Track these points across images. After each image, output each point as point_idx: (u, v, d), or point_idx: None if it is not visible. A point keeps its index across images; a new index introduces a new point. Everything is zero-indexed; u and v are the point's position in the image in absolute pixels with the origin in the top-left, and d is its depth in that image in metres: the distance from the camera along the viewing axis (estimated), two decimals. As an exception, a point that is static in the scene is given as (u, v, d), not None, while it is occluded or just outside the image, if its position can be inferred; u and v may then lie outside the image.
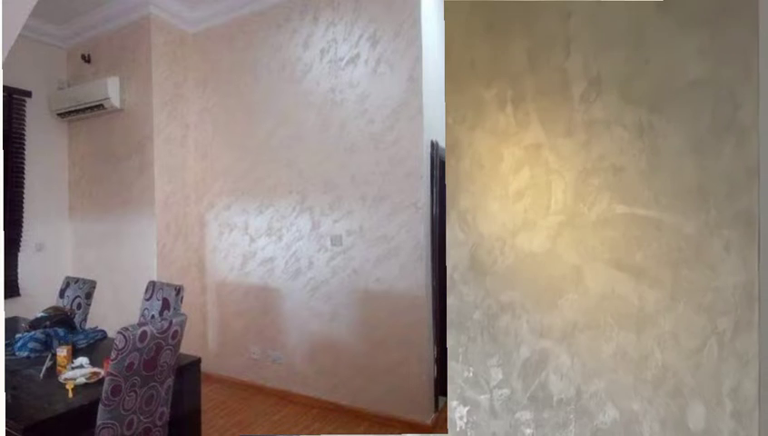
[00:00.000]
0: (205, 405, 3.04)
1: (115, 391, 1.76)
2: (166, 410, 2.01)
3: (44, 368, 2.13)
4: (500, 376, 1.00)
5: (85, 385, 1.97)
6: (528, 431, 0.97)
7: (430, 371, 2.99)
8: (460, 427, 1.05)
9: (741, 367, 0.76)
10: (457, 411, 1.06)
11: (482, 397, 1.02)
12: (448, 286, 1.08)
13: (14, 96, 3.69)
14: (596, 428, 0.90)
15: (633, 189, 0.86)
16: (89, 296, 3.07)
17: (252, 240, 3.61)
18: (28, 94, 3.78)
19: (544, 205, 0.95)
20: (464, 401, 1.05)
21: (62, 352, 2.16)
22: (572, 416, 0.92)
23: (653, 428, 0.84)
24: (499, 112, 1.00)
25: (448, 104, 1.07)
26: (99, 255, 3.94)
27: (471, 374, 1.04)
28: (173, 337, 1.94)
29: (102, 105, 3.66)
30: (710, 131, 0.79)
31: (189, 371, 2.29)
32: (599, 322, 0.90)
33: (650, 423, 0.84)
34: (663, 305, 0.84)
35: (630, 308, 0.87)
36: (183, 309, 2.67)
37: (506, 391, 0.99)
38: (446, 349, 1.09)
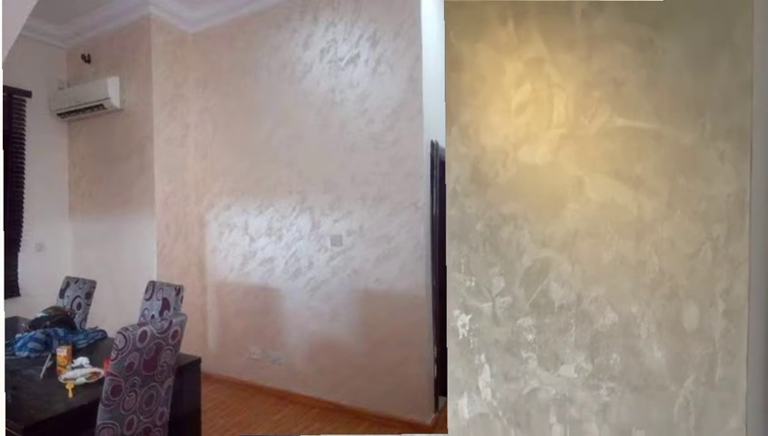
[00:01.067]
0: (205, 405, 3.04)
1: (115, 391, 1.76)
2: (166, 410, 2.01)
3: (44, 368, 2.13)
4: (502, 285, 1.03)
5: (85, 385, 1.97)
6: (530, 336, 0.99)
7: (430, 371, 2.99)
8: (462, 335, 1.08)
9: (733, 270, 0.81)
10: (459, 320, 1.09)
11: (484, 305, 1.05)
12: (449, 198, 1.09)
13: (14, 96, 3.69)
14: (596, 331, 0.93)
15: (633, 102, 0.89)
16: (89, 296, 3.07)
17: (252, 240, 3.61)
18: (28, 94, 3.78)
19: (546, 118, 0.97)
20: (466, 310, 1.08)
21: (62, 352, 2.16)
22: (572, 321, 0.95)
23: (650, 329, 0.87)
24: (501, 27, 1.02)
25: (448, 20, 1.09)
26: (99, 255, 3.94)
27: (473, 284, 1.07)
28: (173, 337, 1.94)
29: (102, 105, 3.66)
30: (707, 47, 0.83)
31: (189, 371, 2.29)
32: (599, 231, 0.92)
33: (647, 325, 0.88)
34: (660, 213, 0.86)
35: (629, 216, 0.89)
36: (183, 309, 2.67)
37: (508, 298, 1.02)
38: (446, 349, 1.10)
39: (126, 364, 1.76)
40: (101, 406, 1.74)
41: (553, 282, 0.97)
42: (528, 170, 1.00)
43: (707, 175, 0.83)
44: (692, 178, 0.85)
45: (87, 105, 3.72)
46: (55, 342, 2.40)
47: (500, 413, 1.05)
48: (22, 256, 3.77)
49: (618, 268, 0.91)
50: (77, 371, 2.08)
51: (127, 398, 1.80)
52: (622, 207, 0.90)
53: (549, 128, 0.97)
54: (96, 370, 2.10)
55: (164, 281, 3.35)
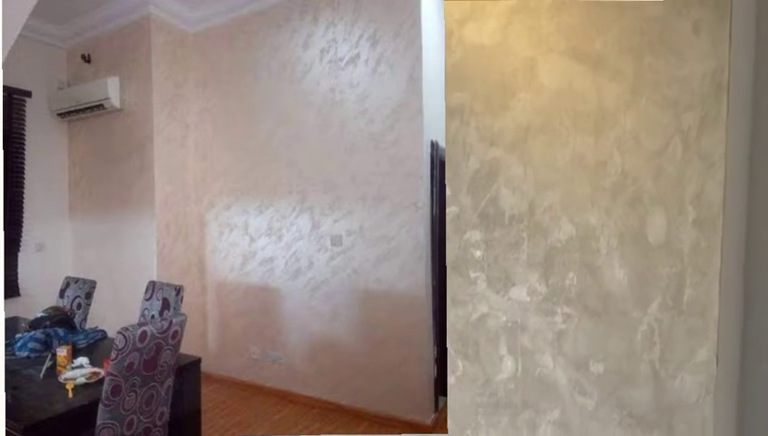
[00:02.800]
0: (205, 405, 3.04)
1: (115, 391, 1.76)
2: (166, 410, 2.01)
3: (44, 368, 2.13)
4: (448, 192, 0.94)
5: (85, 385, 1.97)
6: (478, 253, 0.90)
7: (430, 371, 2.99)
8: None
9: (706, 169, 0.71)
10: None
11: None
12: None
13: (14, 96, 3.69)
14: (551, 246, 0.83)
15: None
16: (89, 296, 3.07)
17: (252, 240, 3.61)
18: (28, 94, 3.78)
19: None
20: None
21: (62, 352, 2.16)
22: (525, 234, 0.85)
23: (610, 243, 0.78)
24: None
25: None
26: (99, 255, 3.94)
27: None
28: (173, 337, 1.94)
29: (102, 105, 3.66)
30: None
31: (189, 371, 2.29)
32: (554, 125, 0.82)
33: (608, 238, 0.78)
34: (623, 101, 0.77)
35: (588, 105, 0.79)
36: (183, 309, 2.67)
37: (454, 208, 0.94)
38: (446, 349, 1.02)
39: (126, 364, 1.76)
40: (101, 406, 1.74)
41: (503, 187, 0.87)
42: (475, 51, 0.89)
43: (679, 51, 0.72)
44: (661, 55, 0.74)
45: (87, 105, 3.72)
46: (55, 342, 2.40)
47: (448, 343, 0.96)
48: (22, 256, 3.77)
49: (575, 170, 0.80)
50: (77, 371, 2.08)
51: (127, 398, 1.80)
52: (580, 94, 0.79)
53: (497, 0, 0.86)
54: (96, 370, 2.10)
55: (164, 281, 3.35)
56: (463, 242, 0.92)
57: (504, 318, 0.88)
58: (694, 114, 0.72)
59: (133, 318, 3.08)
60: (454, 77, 0.92)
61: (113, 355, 1.73)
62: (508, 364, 0.88)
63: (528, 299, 0.85)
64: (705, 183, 0.72)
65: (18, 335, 2.45)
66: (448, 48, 0.93)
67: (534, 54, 0.84)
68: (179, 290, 2.70)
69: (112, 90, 3.61)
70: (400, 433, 2.81)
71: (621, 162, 0.77)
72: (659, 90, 0.75)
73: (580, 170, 0.80)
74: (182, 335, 2.00)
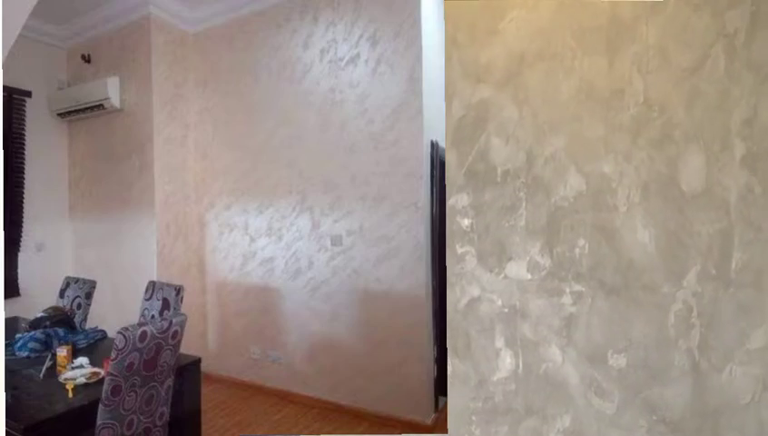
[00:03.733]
0: (205, 405, 3.04)
1: (115, 391, 1.76)
2: (166, 410, 2.01)
3: (44, 368, 2.13)
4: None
5: (85, 385, 1.97)
6: (465, 221, 0.74)
7: (430, 371, 2.98)
8: None
9: (759, 84, 0.55)
10: None
11: None
12: None
13: (15, 96, 3.68)
14: (555, 206, 0.67)
15: None
16: (89, 296, 3.07)
17: (252, 240, 3.61)
18: (28, 94, 3.78)
19: None
20: None
21: (62, 352, 2.16)
22: (522, 193, 0.70)
23: (631, 196, 0.63)
24: None
25: None
26: (99, 255, 3.94)
27: None
28: (173, 337, 1.94)
29: (102, 105, 3.66)
30: None
31: (189, 371, 2.29)
32: (556, 48, 0.67)
33: (627, 190, 0.63)
34: (645, 5, 0.61)
35: (599, 17, 0.64)
36: (183, 309, 2.66)
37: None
38: (446, 349, 0.88)
39: (126, 364, 1.76)
40: (101, 406, 1.74)
41: (493, 136, 0.71)
42: None
43: None
44: None
45: (87, 105, 3.72)
46: (55, 342, 2.40)
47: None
48: (22, 256, 3.77)
49: (584, 105, 0.66)
50: (77, 371, 2.08)
51: (127, 398, 1.80)
52: (588, 3, 0.64)
53: None
54: (96, 370, 2.10)
55: (164, 281, 3.35)
56: (448, 209, 0.76)
57: (499, 302, 0.71)
58: (743, 11, 0.56)
59: (133, 318, 3.07)
60: None
61: (113, 355, 1.73)
62: (507, 360, 0.72)
63: (529, 276, 0.69)
64: (759, 104, 0.55)
65: (18, 335, 2.44)
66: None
67: None
68: (179, 290, 2.70)
69: (112, 90, 3.61)
70: (400, 433, 2.81)
71: (643, 87, 0.63)
72: None
73: (590, 104, 0.66)
74: (182, 335, 2.00)
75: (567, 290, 0.68)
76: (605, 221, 0.65)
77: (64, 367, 2.13)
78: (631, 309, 0.64)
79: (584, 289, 0.67)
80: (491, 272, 0.73)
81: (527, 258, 0.70)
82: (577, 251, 0.67)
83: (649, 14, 0.62)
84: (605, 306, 0.65)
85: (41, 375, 2.08)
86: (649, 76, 0.63)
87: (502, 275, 0.72)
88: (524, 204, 0.71)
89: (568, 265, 0.68)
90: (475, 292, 0.75)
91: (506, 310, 0.73)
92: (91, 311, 3.09)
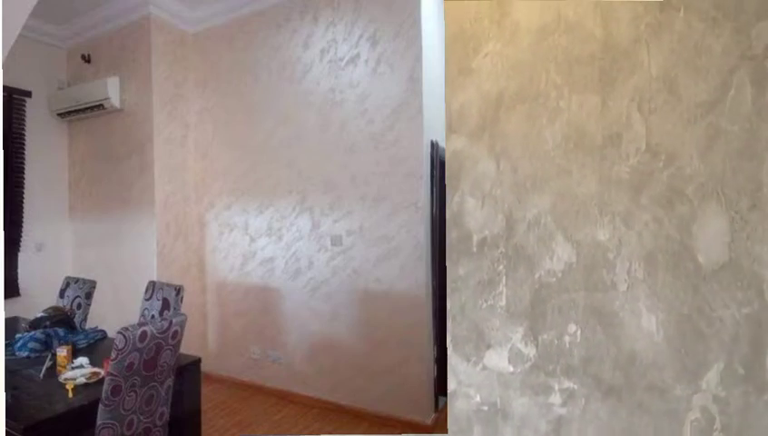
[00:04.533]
0: (205, 405, 3.04)
1: (115, 391, 1.76)
2: (166, 410, 2.01)
3: (44, 368, 2.13)
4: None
5: (85, 385, 1.97)
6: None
7: (430, 371, 2.98)
8: None
9: None
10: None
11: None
12: None
13: (15, 96, 3.68)
14: (540, 282, 0.56)
15: None
16: (89, 296, 3.07)
17: (252, 240, 3.61)
18: (28, 94, 3.78)
19: None
20: None
21: (62, 352, 2.16)
22: (501, 267, 0.59)
23: (633, 270, 0.50)
24: None
25: None
26: (99, 255, 3.94)
27: None
28: (173, 337, 1.94)
29: (102, 105, 3.66)
30: None
31: (189, 371, 2.29)
32: (538, 86, 0.57)
33: (628, 262, 0.51)
34: (647, 24, 0.50)
35: (589, 43, 0.54)
36: (183, 309, 2.66)
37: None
38: (446, 349, 0.80)
39: (126, 364, 1.76)
40: (101, 406, 1.74)
41: (468, 196, 0.61)
42: None
43: None
44: None
45: (87, 105, 3.72)
46: (55, 342, 2.40)
47: None
48: (22, 256, 3.77)
49: (572, 154, 0.55)
50: (77, 371, 2.08)
51: (127, 398, 1.80)
52: (575, 28, 0.54)
53: None
54: (96, 370, 2.10)
55: (164, 281, 3.35)
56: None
57: (477, 398, 0.59)
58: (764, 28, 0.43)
59: (133, 318, 3.07)
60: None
61: (113, 355, 1.73)
62: None
63: (511, 368, 0.57)
64: None
65: (18, 335, 2.44)
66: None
67: None
68: (179, 290, 2.70)
69: (112, 90, 3.61)
70: (400, 433, 2.81)
71: (645, 130, 0.53)
72: None
73: (580, 154, 0.55)
74: (181, 335, 2.00)
75: (556, 386, 0.55)
76: (601, 302, 0.53)
77: (64, 367, 2.13)
78: (635, 415, 0.49)
79: (576, 386, 0.54)
80: (468, 361, 0.61)
81: (509, 346, 0.59)
82: (567, 339, 0.55)
83: (651, 35, 0.50)
84: (603, 410, 0.51)
85: (41, 375, 2.08)
86: (653, 116, 0.52)
87: (480, 366, 0.61)
88: (504, 280, 0.59)
89: (557, 356, 0.55)
90: (450, 384, 0.64)
91: (485, 408, 0.60)
92: (91, 311, 3.09)
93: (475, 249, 0.60)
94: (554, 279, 0.57)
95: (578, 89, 0.55)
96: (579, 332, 0.54)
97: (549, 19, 0.55)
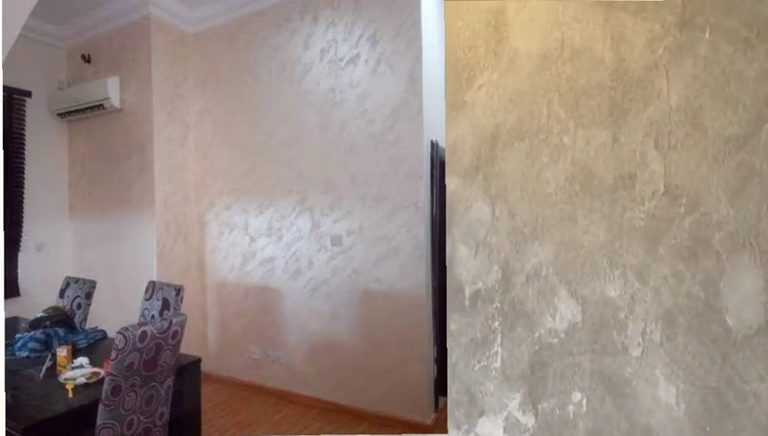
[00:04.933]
0: (205, 405, 3.04)
1: (115, 391, 1.76)
2: (166, 410, 2.01)
3: (44, 368, 2.13)
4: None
5: (85, 385, 1.97)
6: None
7: (430, 371, 2.98)
8: None
9: None
10: None
11: None
12: None
13: (15, 96, 3.69)
14: (541, 343, 0.50)
15: None
16: (89, 296, 3.07)
17: (252, 240, 3.61)
18: (28, 94, 3.78)
19: None
20: None
21: (62, 352, 2.16)
22: (497, 323, 0.53)
23: (649, 332, 0.44)
24: None
25: None
26: (99, 255, 3.94)
27: None
28: (173, 337, 1.94)
29: (102, 105, 3.66)
30: None
31: (189, 371, 2.29)
32: (539, 120, 0.51)
33: (643, 323, 0.44)
34: (666, 48, 0.42)
35: (598, 71, 0.48)
36: (183, 309, 2.66)
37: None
38: (446, 349, 0.75)
39: (126, 364, 1.76)
40: (101, 406, 1.74)
41: (460, 244, 0.55)
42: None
43: None
44: None
45: (87, 105, 3.72)
46: (55, 342, 2.40)
47: None
48: (22, 256, 3.77)
49: (578, 197, 0.49)
50: (77, 371, 2.08)
51: (127, 398, 1.80)
52: (583, 53, 0.48)
53: None
54: (96, 370, 2.10)
55: (164, 281, 3.35)
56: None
57: None
58: None
59: (133, 318, 3.07)
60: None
61: (113, 355, 1.73)
62: None
63: None
64: None
65: (18, 335, 2.44)
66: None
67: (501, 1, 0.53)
68: (179, 290, 2.70)
69: (112, 90, 3.61)
70: (400, 433, 2.81)
71: (664, 170, 0.45)
72: (740, 8, 0.40)
73: (586, 197, 0.48)
74: (181, 335, 2.00)
75: None
76: (611, 368, 0.46)
77: (64, 367, 2.13)
78: None
79: None
80: (458, 429, 0.55)
81: (504, 414, 0.52)
82: (571, 408, 0.47)
83: (670, 60, 0.44)
84: None
85: (41, 375, 2.08)
86: (673, 154, 0.45)
87: (472, 435, 0.54)
88: (499, 339, 0.53)
89: (559, 428, 0.48)
90: None
91: None
92: (91, 311, 3.09)
93: (467, 303, 0.54)
94: (556, 339, 0.50)
95: (585, 123, 0.49)
96: (585, 402, 0.47)
97: (552, 45, 0.50)
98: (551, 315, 0.50)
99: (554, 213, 0.50)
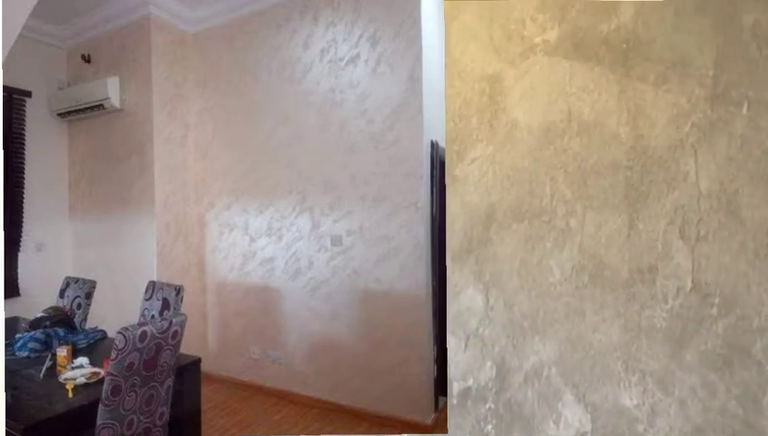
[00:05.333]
0: (205, 405, 3.04)
1: (115, 391, 1.76)
2: (166, 410, 2.01)
3: (44, 368, 2.13)
4: None
5: (85, 385, 1.97)
6: None
7: (430, 371, 2.98)
8: None
9: None
10: None
11: None
12: None
13: (15, 96, 3.69)
14: None
15: None
16: (89, 296, 3.07)
17: (252, 240, 3.61)
18: (28, 94, 3.78)
19: None
20: None
21: (62, 352, 2.16)
22: (490, 427, 0.47)
23: None
24: None
25: None
26: (99, 255, 3.94)
27: None
28: (173, 337, 1.94)
29: (102, 105, 3.66)
30: None
31: (189, 371, 2.29)
32: (541, 201, 0.46)
33: None
34: (692, 121, 0.39)
35: (610, 150, 0.43)
36: (183, 309, 2.66)
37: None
38: (446, 349, 0.70)
39: (126, 364, 1.76)
40: (101, 406, 1.74)
41: (449, 334, 0.51)
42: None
43: None
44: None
45: (87, 105, 3.72)
46: (55, 342, 2.40)
47: None
48: (22, 256, 3.77)
49: (587, 290, 0.44)
50: (77, 371, 2.08)
51: (127, 398, 1.80)
52: (593, 127, 0.43)
53: None
54: (96, 370, 2.10)
55: (164, 281, 3.35)
56: None
57: None
58: None
59: (133, 318, 3.07)
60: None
61: (113, 355, 1.73)
62: None
63: None
64: None
65: (18, 335, 2.44)
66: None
67: (499, 66, 0.48)
68: (179, 290, 2.70)
69: (112, 90, 3.61)
70: (400, 433, 2.81)
71: (692, 264, 0.39)
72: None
73: (597, 290, 0.42)
74: (181, 335, 2.00)
75: None
76: None
77: (64, 367, 2.13)
78: None
79: None
80: None
81: None
82: None
83: (700, 139, 0.39)
84: None
85: (41, 375, 2.08)
86: (702, 245, 0.39)
87: None
88: None
89: None
90: None
91: None
92: (91, 311, 3.09)
93: (455, 401, 0.48)
94: None
95: (596, 206, 0.43)
96: None
97: (557, 117, 0.45)
98: (554, 422, 0.44)
99: (558, 306, 0.45)
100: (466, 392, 0.49)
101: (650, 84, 0.43)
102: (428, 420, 2.93)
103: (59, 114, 3.92)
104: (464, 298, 0.49)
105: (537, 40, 0.49)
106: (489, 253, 0.48)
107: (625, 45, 0.45)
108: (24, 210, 3.76)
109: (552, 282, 0.45)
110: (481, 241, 0.48)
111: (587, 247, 0.44)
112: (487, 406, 0.48)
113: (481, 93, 0.51)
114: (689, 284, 0.41)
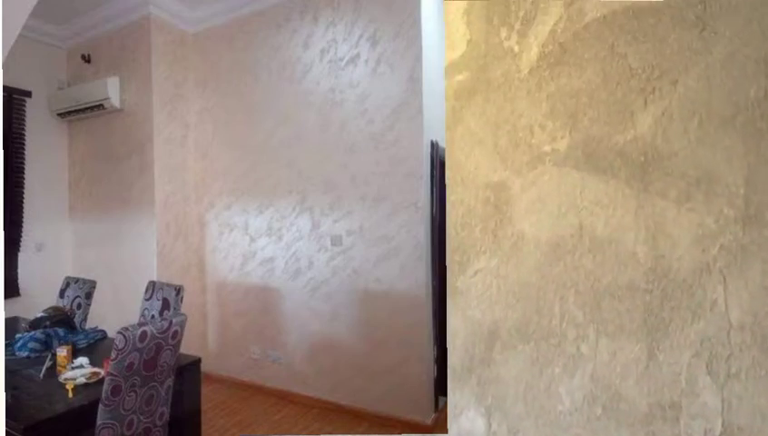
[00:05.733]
0: (205, 405, 3.04)
1: (115, 391, 1.76)
2: (166, 410, 2.01)
3: (44, 368, 2.13)
4: None
5: (85, 385, 1.97)
6: None
7: (430, 371, 2.98)
8: None
9: None
10: None
11: None
12: None
13: (15, 96, 3.68)
14: None
15: None
16: (89, 296, 3.07)
17: (252, 240, 3.61)
18: (28, 94, 3.78)
19: None
20: None
21: (62, 352, 2.16)
22: None
23: None
24: None
25: None
26: (99, 255, 3.94)
27: None
28: (173, 337, 1.94)
29: (102, 105, 3.66)
30: None
31: (189, 371, 2.29)
32: (549, 322, 0.44)
33: None
34: (723, 242, 0.37)
35: (626, 271, 0.40)
36: (183, 309, 2.66)
37: None
38: (446, 349, 0.66)
39: (126, 364, 1.76)
40: (101, 406, 1.74)
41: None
42: None
43: None
44: None
45: (87, 105, 3.72)
46: (55, 342, 2.40)
47: None
48: (22, 256, 3.77)
49: (601, 421, 0.39)
50: (77, 371, 2.08)
51: (127, 398, 1.80)
52: (607, 245, 0.40)
53: None
54: (96, 370, 2.10)
55: (164, 281, 3.35)
56: None
57: None
58: None
59: (133, 318, 3.07)
60: None
61: (113, 355, 1.73)
62: None
63: None
64: None
65: (18, 335, 2.44)
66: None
67: (505, 175, 0.46)
68: (179, 290, 2.70)
69: (112, 90, 3.61)
70: (400, 433, 2.81)
71: (721, 403, 0.35)
72: None
73: (612, 422, 0.38)
74: (181, 335, 2.00)
75: None
76: None
77: (64, 367, 2.13)
78: None
79: None
80: None
81: None
82: None
83: (731, 263, 0.34)
84: None
85: (41, 375, 2.08)
86: (734, 384, 0.35)
87: None
88: None
89: None
90: None
91: None
92: (91, 311, 3.09)
93: None
94: None
95: (610, 331, 0.39)
96: None
97: (567, 232, 0.41)
98: None
99: None
100: None
101: (671, 200, 0.41)
102: (428, 420, 2.93)
103: (59, 114, 3.92)
104: (464, 421, 0.46)
105: (546, 149, 0.48)
106: (492, 374, 0.45)
107: (642, 158, 0.43)
108: (24, 210, 3.76)
109: (561, 411, 0.42)
110: (484, 360, 0.45)
111: (601, 376, 0.41)
112: None
113: (485, 201, 0.49)
114: (719, 428, 0.38)
